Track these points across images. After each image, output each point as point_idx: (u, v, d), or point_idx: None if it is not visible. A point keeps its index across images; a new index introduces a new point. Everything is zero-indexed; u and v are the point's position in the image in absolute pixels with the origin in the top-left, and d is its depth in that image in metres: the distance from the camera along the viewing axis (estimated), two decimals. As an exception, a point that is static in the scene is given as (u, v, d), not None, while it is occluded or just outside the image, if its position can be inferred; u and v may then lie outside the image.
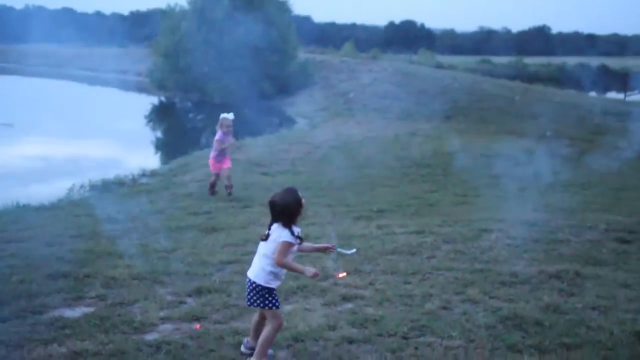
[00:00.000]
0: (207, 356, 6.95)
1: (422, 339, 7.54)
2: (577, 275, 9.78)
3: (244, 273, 9.54)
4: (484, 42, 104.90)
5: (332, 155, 22.36)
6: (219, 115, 15.67)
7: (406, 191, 16.83)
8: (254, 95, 39.35)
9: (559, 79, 48.39)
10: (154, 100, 46.74)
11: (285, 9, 48.41)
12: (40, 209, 14.65)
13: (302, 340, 7.21)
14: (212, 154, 15.75)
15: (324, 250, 7.16)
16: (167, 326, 7.80)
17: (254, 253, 10.45)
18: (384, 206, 14.73)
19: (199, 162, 20.98)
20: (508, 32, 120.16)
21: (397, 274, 9.75)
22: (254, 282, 6.75)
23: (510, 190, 16.72)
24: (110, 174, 18.92)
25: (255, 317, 7.03)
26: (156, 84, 47.05)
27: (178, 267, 9.88)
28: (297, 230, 6.67)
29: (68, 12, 73.80)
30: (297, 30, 49.12)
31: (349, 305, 8.54)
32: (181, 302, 8.55)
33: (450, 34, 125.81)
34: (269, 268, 6.70)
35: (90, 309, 8.22)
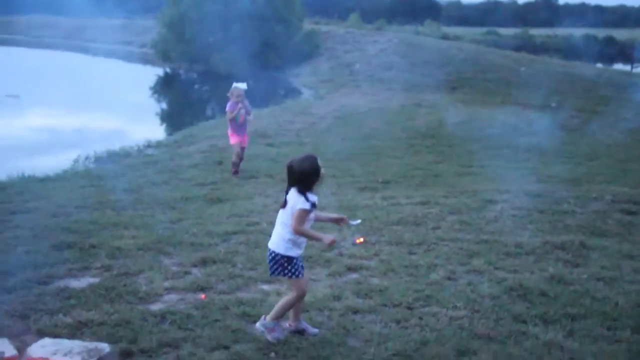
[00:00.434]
0: (212, 326, 6.96)
1: (426, 309, 7.54)
2: (582, 246, 9.78)
3: (249, 244, 9.64)
4: (490, 13, 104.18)
5: (337, 126, 22.34)
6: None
7: (411, 162, 16.81)
8: (259, 66, 39.22)
9: (565, 50, 48.11)
10: (159, 71, 46.65)
11: (290, -21, 48.11)
12: (46, 180, 14.64)
13: (307, 311, 7.21)
14: (229, 126, 15.05)
15: (339, 222, 7.08)
16: (172, 296, 7.81)
17: (259, 224, 10.63)
18: (389, 177, 14.74)
19: (205, 134, 20.99)
20: (514, 3, 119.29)
21: (402, 245, 9.76)
22: (274, 252, 6.74)
23: (515, 161, 16.71)
24: (116, 145, 18.89)
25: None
26: (161, 55, 46.91)
27: (183, 238, 9.88)
28: (313, 197, 6.62)
29: (73, -17, 73.42)
30: (302, 1, 48.87)
31: (354, 276, 8.56)
32: (186, 273, 8.56)
33: (456, 5, 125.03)
34: (288, 236, 6.67)
35: (96, 280, 8.23)
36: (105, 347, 5.97)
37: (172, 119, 29.67)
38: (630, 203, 12.22)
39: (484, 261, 9.07)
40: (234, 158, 15.00)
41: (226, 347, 6.48)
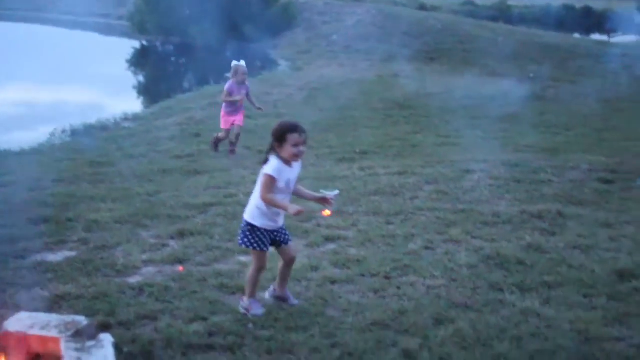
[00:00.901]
0: (190, 298, 6.96)
1: (404, 278, 7.57)
2: (559, 215, 9.84)
3: (227, 215, 9.63)
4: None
5: (315, 97, 22.28)
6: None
7: (389, 133, 16.81)
8: (236, 38, 38.99)
9: (543, 20, 48.12)
10: (136, 44, 46.29)
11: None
12: (21, 154, 14.56)
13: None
14: (223, 106, 14.55)
15: (322, 202, 6.83)
16: (150, 269, 7.80)
17: (236, 195, 10.64)
18: (366, 148, 14.74)
19: (182, 106, 20.93)
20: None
21: (379, 215, 9.78)
22: (243, 218, 6.70)
23: (493, 131, 16.75)
24: (93, 119, 18.76)
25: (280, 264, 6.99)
26: (137, 28, 46.46)
27: (160, 210, 9.86)
28: (281, 167, 6.53)
29: (47, -45, 72.54)
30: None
31: (332, 246, 8.57)
32: (164, 245, 8.55)
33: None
34: (255, 202, 6.58)
35: (73, 253, 8.20)
36: (82, 320, 5.94)
37: (149, 92, 29.48)
38: (606, 172, 12.30)
39: (462, 230, 9.11)
40: (220, 135, 14.57)
41: (204, 319, 6.48)
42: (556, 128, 17.97)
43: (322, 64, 31.24)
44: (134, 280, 7.44)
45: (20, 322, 5.71)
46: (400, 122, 18.40)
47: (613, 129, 18.10)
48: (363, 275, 7.62)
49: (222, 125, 14.51)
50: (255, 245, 6.62)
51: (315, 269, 7.76)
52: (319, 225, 9.22)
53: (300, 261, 7.82)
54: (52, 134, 17.20)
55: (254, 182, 6.82)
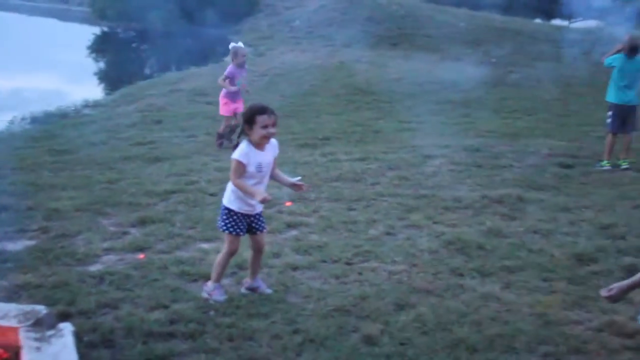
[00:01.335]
0: (151, 286, 6.93)
1: (365, 264, 7.61)
2: (520, 199, 9.94)
3: (188, 203, 9.62)
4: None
5: (277, 83, 22.19)
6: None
7: (351, 118, 16.81)
8: (198, 24, 38.76)
9: (504, 5, 48.30)
10: (96, 30, 45.87)
11: None
12: (-20, 142, 14.42)
13: (246, 268, 7.19)
14: (223, 92, 13.73)
15: (296, 188, 6.87)
16: (111, 257, 7.77)
17: (198, 182, 10.63)
18: (328, 134, 14.73)
19: (143, 92, 20.78)
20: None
21: (341, 201, 9.81)
22: (222, 201, 6.73)
23: (454, 116, 16.82)
24: (53, 106, 18.56)
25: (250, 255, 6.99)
26: (98, 14, 46.08)
27: (121, 198, 9.82)
28: (250, 152, 6.50)
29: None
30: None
31: (294, 233, 8.59)
32: (125, 233, 8.52)
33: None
34: (230, 187, 6.62)
35: (33, 242, 8.15)
36: (42, 309, 5.90)
37: (110, 79, 29.21)
38: (566, 156, 12.45)
39: (423, 216, 9.17)
40: (221, 128, 13.74)
41: (165, 307, 6.47)
42: (517, 113, 18.07)
43: (285, 49, 31.11)
44: (94, 268, 7.40)
45: (-21, 312, 5.67)
46: (362, 108, 18.40)
47: (574, 114, 18.24)
48: (324, 262, 7.64)
49: (222, 112, 13.73)
50: (231, 229, 6.64)
51: (277, 255, 7.77)
52: (280, 212, 9.22)
53: (261, 248, 7.84)
54: (12, 122, 17.00)
55: (216, 169, 6.82)
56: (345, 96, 20.09)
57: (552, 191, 10.53)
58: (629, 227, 8.84)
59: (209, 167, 11.46)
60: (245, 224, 6.67)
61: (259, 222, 6.78)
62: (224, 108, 13.68)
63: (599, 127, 14.16)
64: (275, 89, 21.00)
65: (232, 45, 13.84)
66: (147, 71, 30.83)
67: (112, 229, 8.66)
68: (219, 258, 6.80)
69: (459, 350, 5.80)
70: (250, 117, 6.45)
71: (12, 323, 5.41)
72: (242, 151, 6.46)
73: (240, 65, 13.68)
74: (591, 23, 34.81)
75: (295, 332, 6.03)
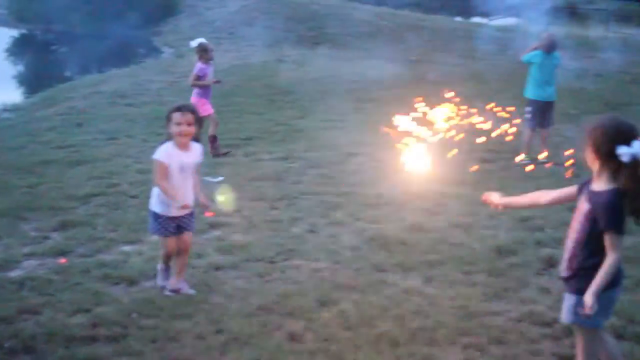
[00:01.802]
0: (73, 290, 6.88)
1: (288, 262, 7.65)
2: (441, 195, 10.05)
3: (109, 205, 9.54)
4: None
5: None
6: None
7: (273, 118, 16.81)
8: (119, 26, 38.37)
9: (426, 5, 48.83)
10: (14, 33, 45.09)
11: None
12: None
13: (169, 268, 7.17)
14: (196, 92, 12.92)
15: (203, 208, 7.08)
16: (32, 262, 7.69)
17: (119, 185, 10.53)
18: (250, 134, 14.71)
19: (63, 95, 20.53)
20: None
21: (263, 200, 9.83)
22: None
23: (377, 114, 16.90)
24: (-32, 110, 18.26)
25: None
26: (15, 16, 45.31)
27: (42, 202, 9.70)
28: (174, 151, 6.51)
29: None
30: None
31: (216, 233, 8.60)
32: (45, 238, 8.44)
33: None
34: (155, 190, 6.64)
35: (-50, 249, 8.02)
36: (-40, 316, 5.84)
37: (29, 82, 28.75)
38: (486, 152, 12.59)
39: (345, 213, 9.25)
40: (211, 130, 13.01)
41: (87, 310, 6.43)
42: (437, 110, 18.23)
43: (206, 50, 31.00)
44: (14, 274, 7.32)
45: None
46: (284, 107, 18.41)
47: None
48: (248, 261, 7.67)
49: (204, 113, 12.19)
50: (158, 232, 6.71)
51: (199, 256, 7.77)
52: (202, 212, 9.20)
53: (184, 249, 7.82)
54: None
55: (138, 171, 6.80)
56: (267, 96, 20.08)
57: (473, 186, 10.67)
58: (547, 220, 9.03)
59: (131, 170, 11.38)
60: (174, 224, 6.69)
61: (188, 222, 6.80)
62: (204, 108, 12.50)
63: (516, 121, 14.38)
64: (197, 89, 20.86)
65: (197, 42, 13.19)
66: (67, 73, 30.38)
67: (32, 233, 8.56)
68: (160, 261, 6.94)
69: (382, 344, 5.87)
70: (167, 116, 6.51)
71: None
72: (163, 151, 6.48)
73: (209, 60, 13.08)
74: (511, 20, 35.39)
75: (219, 331, 6.05)
